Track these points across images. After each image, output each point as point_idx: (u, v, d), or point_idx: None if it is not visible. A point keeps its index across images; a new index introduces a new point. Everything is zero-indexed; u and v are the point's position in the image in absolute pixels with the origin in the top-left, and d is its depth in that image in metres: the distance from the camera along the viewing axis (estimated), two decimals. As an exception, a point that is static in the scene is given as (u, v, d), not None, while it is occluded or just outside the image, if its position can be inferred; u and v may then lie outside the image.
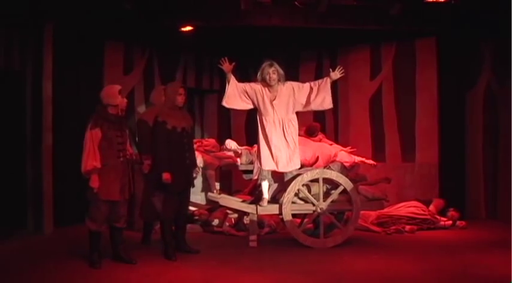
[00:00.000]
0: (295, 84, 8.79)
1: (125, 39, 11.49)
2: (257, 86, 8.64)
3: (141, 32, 11.07)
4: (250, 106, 8.73)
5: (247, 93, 8.61)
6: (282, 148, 8.54)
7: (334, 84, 12.59)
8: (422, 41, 11.61)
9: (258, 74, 8.65)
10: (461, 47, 11.16)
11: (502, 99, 10.97)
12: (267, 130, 8.57)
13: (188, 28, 11.13)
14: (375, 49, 12.28)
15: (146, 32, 11.10)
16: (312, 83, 8.84)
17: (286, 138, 8.58)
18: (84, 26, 10.11)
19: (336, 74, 8.78)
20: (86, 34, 10.39)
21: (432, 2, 10.08)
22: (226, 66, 8.52)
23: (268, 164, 8.55)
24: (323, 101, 8.79)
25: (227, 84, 8.59)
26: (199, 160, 9.69)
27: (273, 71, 8.55)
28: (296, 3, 10.37)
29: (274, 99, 8.59)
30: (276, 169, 8.61)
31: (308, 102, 8.76)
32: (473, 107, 11.37)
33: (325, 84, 8.76)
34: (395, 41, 11.95)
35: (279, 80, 8.60)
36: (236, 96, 8.62)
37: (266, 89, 8.61)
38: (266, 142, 8.57)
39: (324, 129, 11.09)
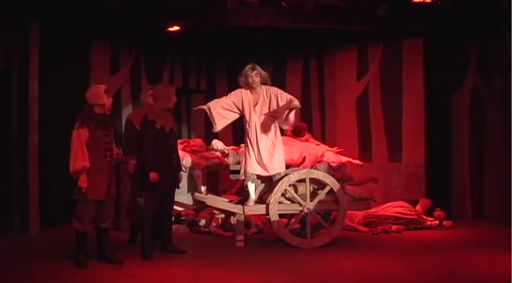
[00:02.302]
0: (278, 92, 8.68)
1: (111, 39, 11.46)
2: (238, 94, 8.68)
3: (128, 32, 11.04)
4: (237, 115, 8.74)
5: (229, 106, 8.65)
6: (265, 153, 8.56)
7: (322, 84, 12.74)
8: (408, 42, 11.64)
9: (241, 78, 8.67)
10: (447, 47, 11.20)
11: (488, 100, 11.04)
12: (250, 135, 8.60)
13: (175, 28, 11.13)
14: (362, 49, 12.29)
15: (133, 32, 11.07)
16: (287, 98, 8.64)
17: (268, 143, 8.61)
18: (70, 26, 10.08)
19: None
20: (72, 34, 10.36)
21: (419, 3, 10.12)
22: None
23: (253, 168, 8.58)
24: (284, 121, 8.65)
25: (210, 115, 8.64)
26: (187, 160, 9.68)
27: (255, 74, 8.58)
28: (283, 3, 10.39)
29: (256, 104, 8.63)
30: (260, 174, 8.64)
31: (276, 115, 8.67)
32: (460, 107, 11.42)
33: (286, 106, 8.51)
34: (382, 42, 11.97)
35: (262, 83, 8.63)
36: (221, 117, 8.65)
37: (248, 93, 8.65)
38: (251, 146, 8.60)
39: (310, 129, 11.10)
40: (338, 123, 12.50)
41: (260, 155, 8.54)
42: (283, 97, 8.58)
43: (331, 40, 12.14)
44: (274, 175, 8.70)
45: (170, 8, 10.46)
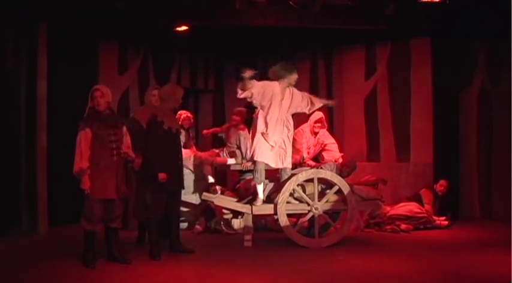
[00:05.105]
0: (299, 93, 8.89)
1: (119, 39, 11.49)
2: (274, 87, 8.66)
3: (136, 31, 11.05)
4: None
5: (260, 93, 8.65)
6: (279, 146, 8.59)
7: (330, 84, 12.74)
8: (417, 41, 11.62)
9: (278, 70, 8.70)
10: (455, 47, 11.18)
11: (496, 99, 11.01)
12: (269, 127, 8.58)
13: (183, 28, 11.12)
14: (370, 49, 12.29)
15: (141, 31, 11.08)
16: (311, 99, 8.99)
17: (284, 137, 8.64)
18: (78, 26, 10.09)
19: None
20: (80, 33, 10.38)
21: (427, 2, 10.09)
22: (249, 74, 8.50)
23: (264, 156, 8.56)
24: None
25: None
26: (191, 161, 9.71)
27: (297, 76, 8.75)
28: (291, 3, 10.37)
29: (282, 99, 8.65)
30: (271, 165, 8.63)
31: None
32: (468, 106, 11.39)
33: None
34: (390, 41, 11.96)
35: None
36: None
37: (278, 86, 8.67)
38: (269, 136, 8.60)
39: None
40: (346, 122, 12.49)
41: (274, 148, 8.58)
42: (304, 97, 8.93)
43: (339, 40, 12.13)
44: (282, 174, 8.72)
45: (178, 8, 10.46)
